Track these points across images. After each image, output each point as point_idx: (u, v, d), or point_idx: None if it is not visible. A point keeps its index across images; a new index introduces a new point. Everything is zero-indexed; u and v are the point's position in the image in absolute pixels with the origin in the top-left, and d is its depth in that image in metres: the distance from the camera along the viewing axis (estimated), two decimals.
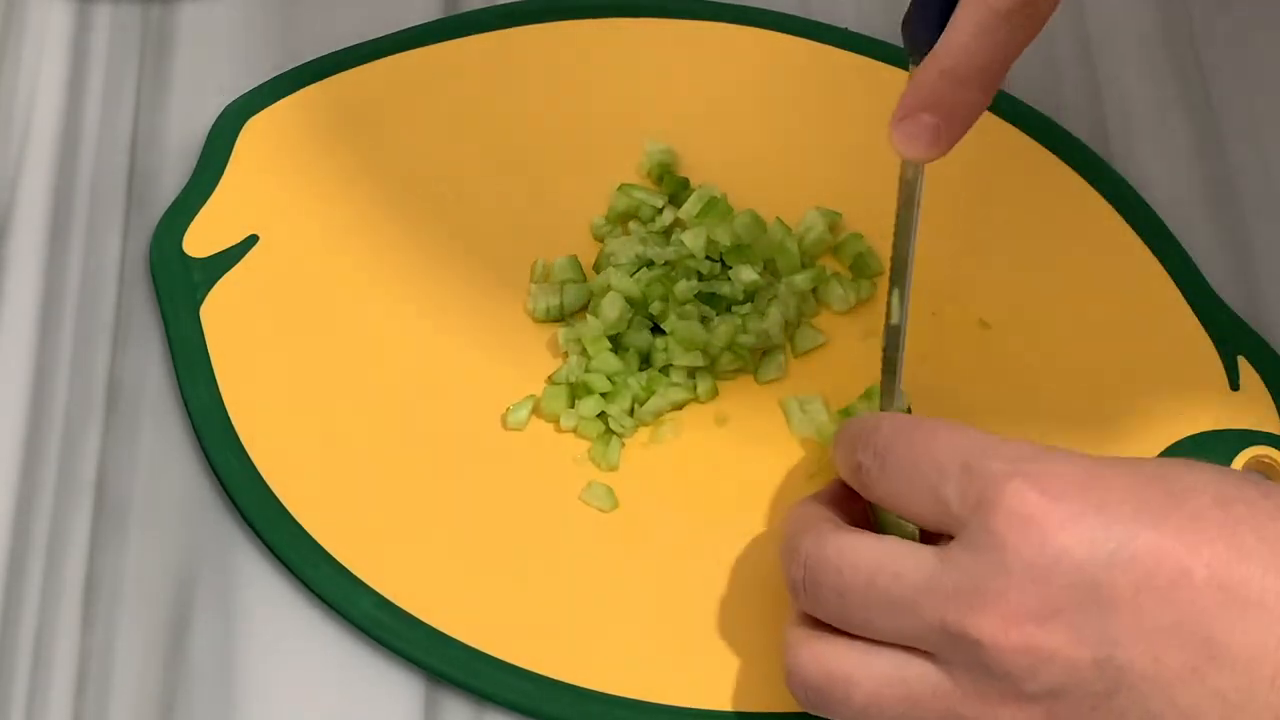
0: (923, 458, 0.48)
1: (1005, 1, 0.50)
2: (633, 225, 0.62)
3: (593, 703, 0.53)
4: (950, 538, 0.47)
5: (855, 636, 0.48)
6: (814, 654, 0.49)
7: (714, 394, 0.59)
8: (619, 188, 0.62)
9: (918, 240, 0.55)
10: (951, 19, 0.51)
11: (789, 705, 0.53)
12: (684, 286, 0.59)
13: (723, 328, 0.59)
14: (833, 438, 0.53)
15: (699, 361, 0.58)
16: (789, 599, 0.51)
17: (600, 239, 0.62)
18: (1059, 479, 0.46)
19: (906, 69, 0.66)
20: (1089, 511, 0.45)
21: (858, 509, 0.52)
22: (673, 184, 0.63)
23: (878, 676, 0.47)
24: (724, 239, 0.60)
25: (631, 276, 0.59)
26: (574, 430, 0.58)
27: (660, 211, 0.62)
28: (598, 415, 0.58)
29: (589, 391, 0.58)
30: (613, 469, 0.57)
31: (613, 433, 0.58)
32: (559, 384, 0.58)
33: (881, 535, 0.49)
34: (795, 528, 0.51)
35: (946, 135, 0.53)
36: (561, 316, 0.60)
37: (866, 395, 0.58)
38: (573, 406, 0.58)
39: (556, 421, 0.58)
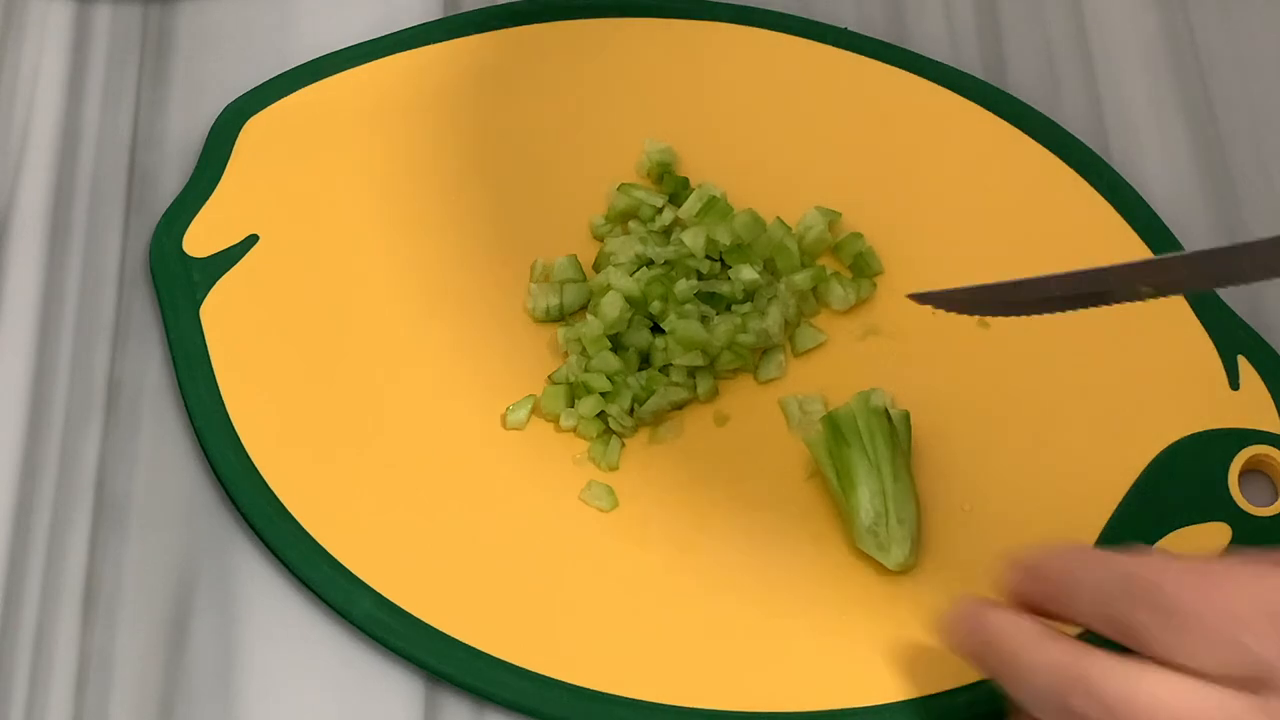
0: (1215, 611, 0.45)
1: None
2: (633, 225, 0.62)
3: (593, 703, 0.53)
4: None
5: None
6: None
7: (714, 394, 0.59)
8: (619, 187, 0.62)
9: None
10: None
11: (789, 705, 0.53)
12: (684, 286, 0.59)
13: (722, 327, 0.59)
14: (1025, 573, 0.50)
15: (699, 361, 0.58)
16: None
17: (600, 239, 0.62)
18: None
19: (906, 68, 0.67)
20: None
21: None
22: (673, 183, 0.63)
23: None
24: (724, 238, 0.60)
25: (631, 276, 0.59)
26: (574, 430, 0.58)
27: (660, 211, 0.62)
28: (597, 415, 0.58)
29: (589, 391, 0.58)
30: (613, 469, 0.57)
31: (613, 432, 0.58)
32: (559, 384, 0.58)
33: (1184, 676, 0.45)
34: (1054, 658, 0.47)
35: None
36: (561, 316, 0.60)
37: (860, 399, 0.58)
38: (572, 406, 0.58)
39: (556, 421, 0.58)
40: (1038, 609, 0.49)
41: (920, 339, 0.60)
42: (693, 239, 0.60)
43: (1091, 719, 0.45)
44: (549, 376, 0.59)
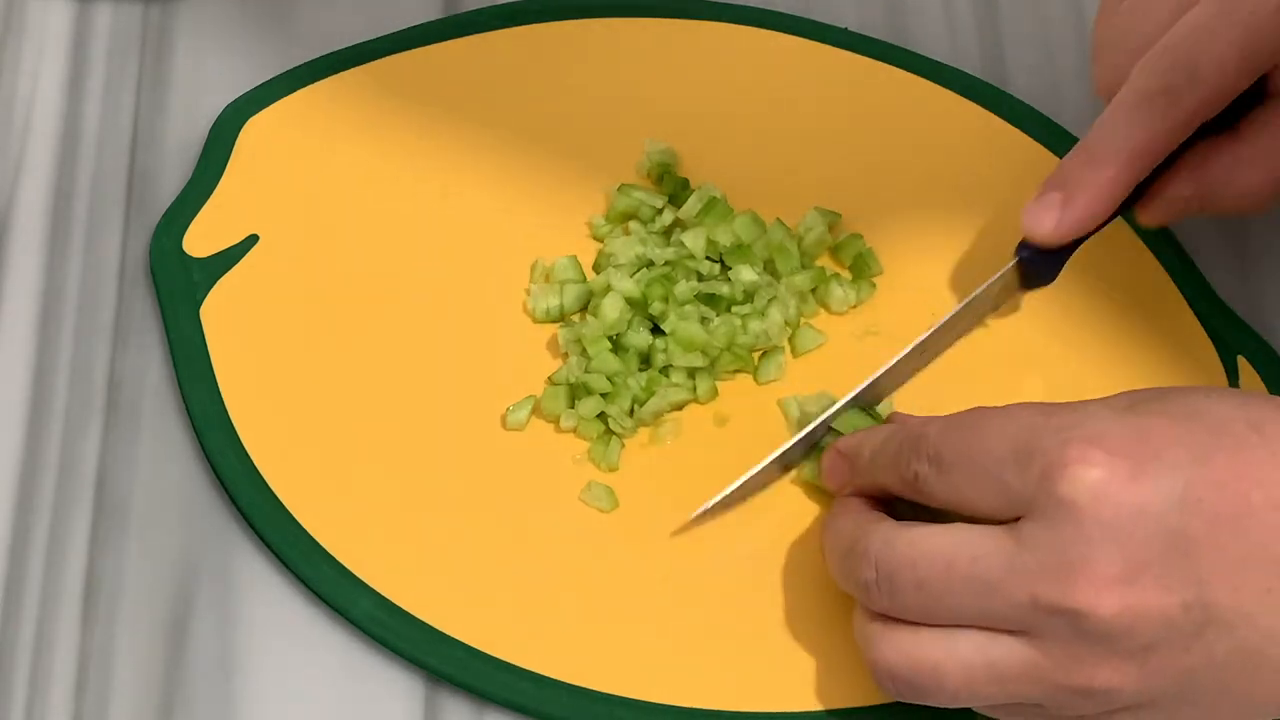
0: (976, 452, 0.49)
1: (1147, 83, 0.54)
2: (633, 225, 0.62)
3: (593, 703, 0.53)
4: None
5: (933, 625, 0.49)
6: (896, 647, 0.49)
7: (714, 394, 0.59)
8: (619, 188, 0.62)
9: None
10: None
11: (788, 705, 0.53)
12: (684, 287, 0.59)
13: (722, 328, 0.59)
14: (834, 459, 0.55)
15: (699, 362, 0.58)
16: (857, 600, 0.51)
17: (600, 239, 0.62)
18: (1110, 440, 0.47)
19: (906, 68, 0.67)
20: (1149, 462, 0.46)
21: (889, 511, 0.53)
22: (673, 184, 0.63)
23: (965, 660, 0.48)
24: (724, 239, 0.60)
25: (631, 277, 0.59)
26: (574, 430, 0.58)
27: (660, 212, 0.62)
28: (597, 415, 0.58)
29: (589, 392, 0.58)
30: (613, 469, 0.57)
31: (612, 433, 0.58)
32: (559, 384, 0.58)
33: (947, 524, 0.49)
34: (849, 531, 0.52)
35: (1069, 217, 0.55)
36: (561, 317, 0.60)
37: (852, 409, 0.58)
38: (572, 407, 0.58)
39: (556, 422, 0.58)
40: (860, 490, 0.54)
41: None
42: (693, 240, 0.60)
43: (867, 579, 0.50)
44: (549, 377, 0.59)
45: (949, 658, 0.48)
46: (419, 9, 0.68)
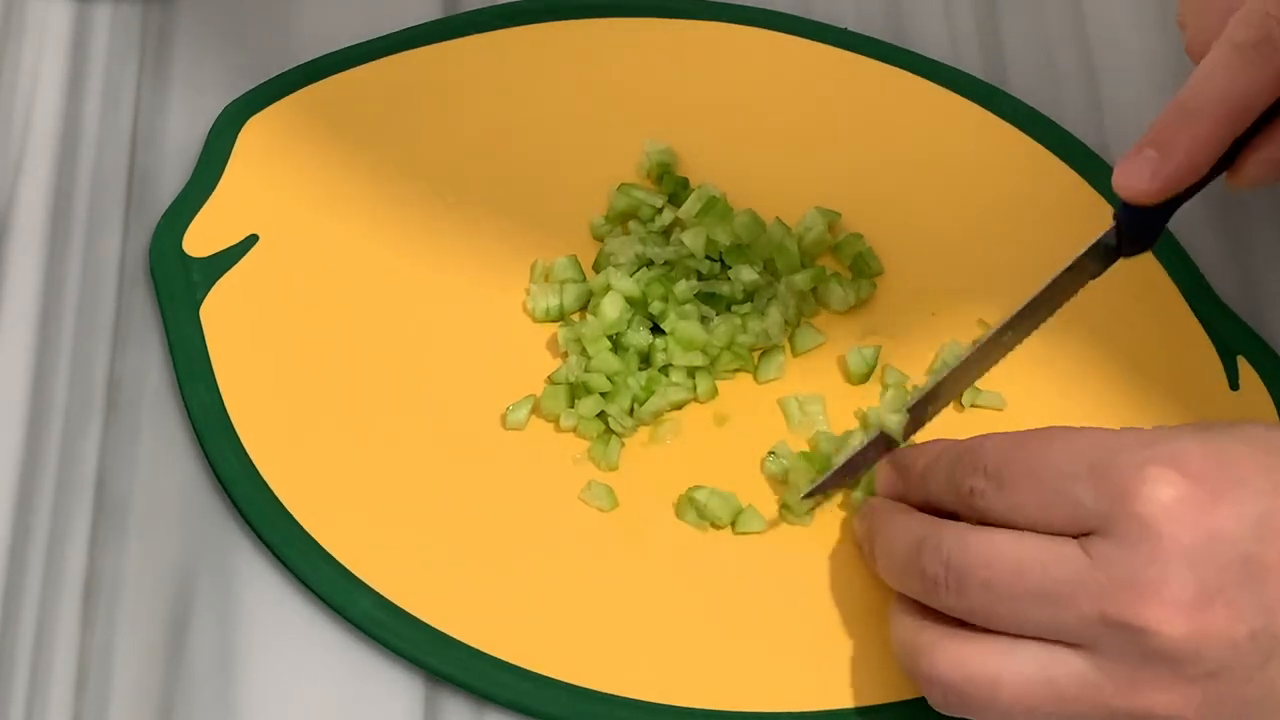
0: (1044, 467, 0.49)
1: (1244, 35, 0.52)
2: (632, 225, 0.62)
3: (593, 703, 0.53)
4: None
5: (991, 633, 0.49)
6: (953, 656, 0.49)
7: (714, 394, 0.59)
8: (618, 187, 0.62)
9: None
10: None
11: (788, 704, 0.53)
12: (684, 286, 0.59)
13: (722, 328, 0.59)
14: (893, 469, 0.54)
15: (699, 361, 0.58)
16: (899, 609, 0.51)
17: (600, 239, 0.62)
18: (1191, 460, 0.47)
19: (906, 68, 0.67)
20: (1228, 488, 0.46)
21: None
22: (672, 183, 0.63)
23: (1024, 674, 0.48)
24: (724, 239, 0.60)
25: (631, 276, 0.59)
26: (574, 430, 0.58)
27: (660, 211, 0.62)
28: (597, 415, 0.58)
29: (589, 391, 0.58)
30: (612, 469, 0.57)
31: (612, 433, 0.58)
32: (559, 384, 0.58)
33: (1019, 531, 0.49)
34: (915, 529, 0.51)
35: (1164, 171, 0.53)
36: (561, 316, 0.60)
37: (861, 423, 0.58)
38: (572, 406, 0.58)
39: (556, 421, 0.58)
40: (910, 502, 0.53)
41: (919, 340, 0.60)
42: (693, 239, 0.60)
43: (935, 575, 0.49)
44: (549, 377, 0.59)
45: (1007, 670, 0.48)
46: (419, 9, 0.68)
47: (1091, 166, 0.64)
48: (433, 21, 0.67)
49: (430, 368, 0.59)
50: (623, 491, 0.57)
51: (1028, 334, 0.56)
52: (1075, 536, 0.48)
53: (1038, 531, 0.49)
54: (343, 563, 0.55)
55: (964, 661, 0.48)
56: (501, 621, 0.54)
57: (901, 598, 0.52)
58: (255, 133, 0.64)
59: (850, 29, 0.68)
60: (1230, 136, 0.54)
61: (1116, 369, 0.60)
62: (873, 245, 0.62)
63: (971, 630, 0.49)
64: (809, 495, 0.56)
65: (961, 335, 0.60)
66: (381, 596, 0.55)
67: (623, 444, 0.58)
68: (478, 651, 0.54)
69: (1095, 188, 0.64)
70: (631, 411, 0.58)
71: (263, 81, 0.65)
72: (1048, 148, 0.65)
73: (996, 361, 0.56)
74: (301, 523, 0.56)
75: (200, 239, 0.61)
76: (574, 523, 0.56)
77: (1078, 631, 0.47)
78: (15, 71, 0.66)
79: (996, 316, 0.61)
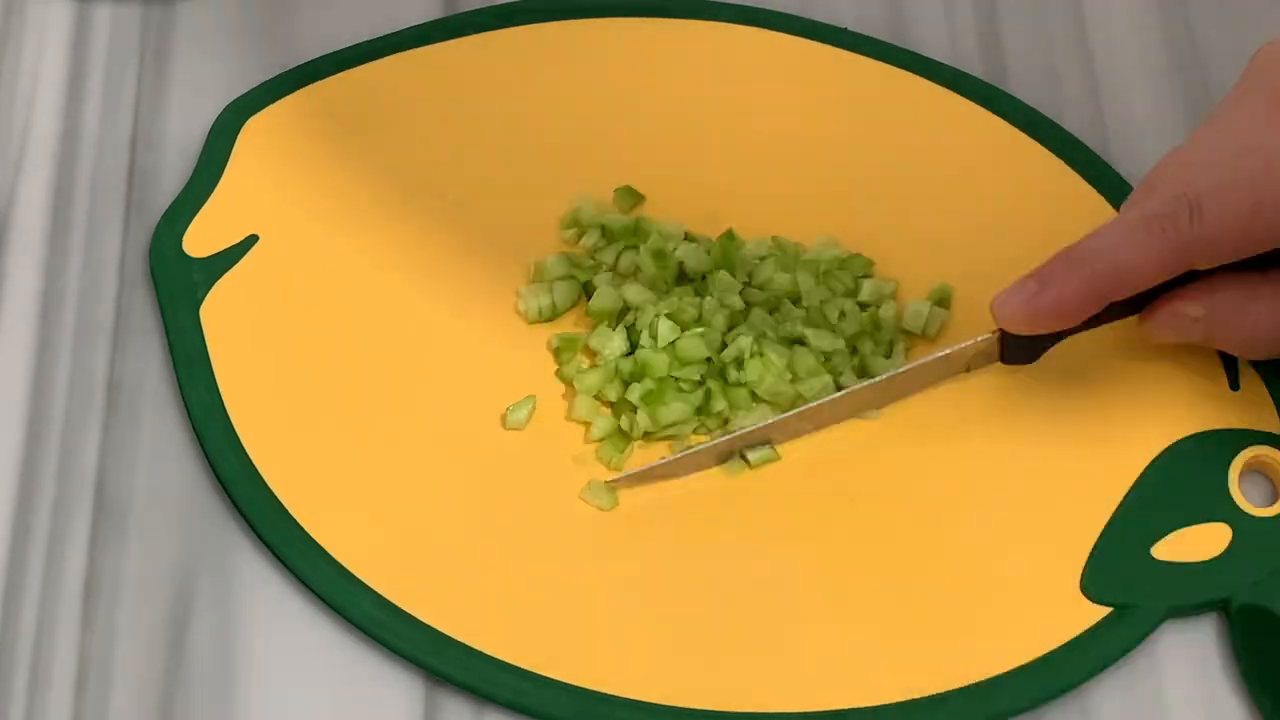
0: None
1: (1153, 208, 0.54)
2: (641, 276, 0.61)
3: (593, 703, 0.53)
4: None
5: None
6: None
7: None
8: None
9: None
10: None
11: (789, 705, 0.53)
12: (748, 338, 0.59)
13: (813, 384, 0.58)
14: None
15: (769, 415, 0.58)
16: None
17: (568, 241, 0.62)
18: None
19: (906, 68, 0.67)
20: None
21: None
22: (628, 200, 0.62)
23: None
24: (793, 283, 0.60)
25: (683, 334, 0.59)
26: (591, 437, 0.58)
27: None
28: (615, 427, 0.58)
29: (644, 430, 0.57)
30: (617, 469, 0.57)
31: (623, 433, 0.58)
32: (594, 396, 0.58)
33: None
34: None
35: (1035, 307, 0.55)
36: (554, 316, 0.60)
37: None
38: (612, 418, 0.58)
39: (586, 428, 0.58)
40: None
41: (920, 340, 0.60)
42: (723, 291, 0.59)
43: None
44: (576, 384, 0.58)
45: None
46: (419, 9, 0.68)
47: (1092, 167, 0.64)
48: (433, 21, 0.67)
49: (430, 367, 0.59)
50: (623, 491, 0.57)
51: (886, 403, 0.58)
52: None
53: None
54: (343, 563, 0.55)
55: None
56: (501, 621, 0.54)
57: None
58: (255, 133, 0.64)
59: (850, 29, 0.68)
60: (1106, 295, 0.55)
61: (1116, 368, 0.60)
62: (871, 244, 0.62)
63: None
64: (615, 481, 0.57)
65: (961, 333, 0.60)
66: (381, 596, 0.55)
67: (633, 447, 0.58)
68: (478, 651, 0.54)
69: (1095, 188, 0.64)
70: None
71: (263, 81, 0.65)
72: (1048, 148, 0.64)
73: (841, 419, 0.58)
74: (301, 523, 0.56)
75: (200, 239, 0.61)
76: (574, 523, 0.56)
77: None
78: (15, 71, 0.66)
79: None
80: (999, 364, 0.58)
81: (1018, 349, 0.58)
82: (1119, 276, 0.54)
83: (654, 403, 0.57)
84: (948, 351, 0.58)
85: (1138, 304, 0.56)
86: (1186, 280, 0.55)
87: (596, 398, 0.58)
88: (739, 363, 0.58)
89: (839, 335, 0.59)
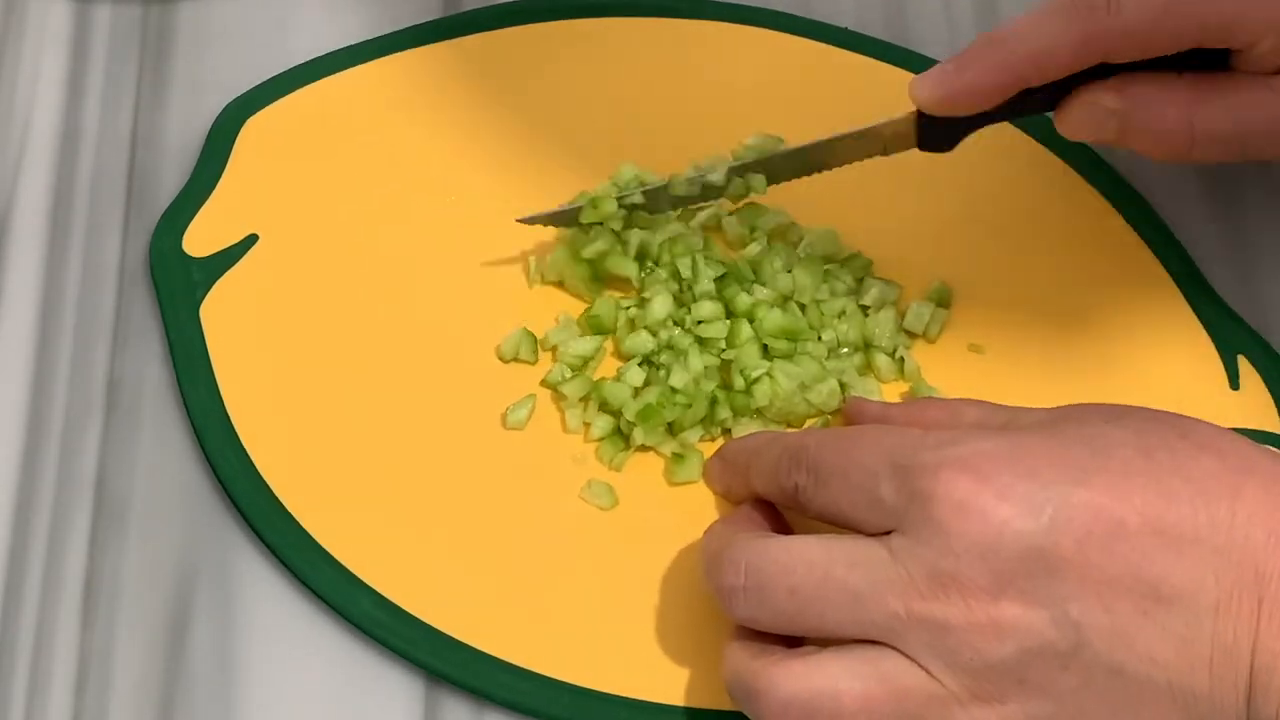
0: (853, 465, 0.49)
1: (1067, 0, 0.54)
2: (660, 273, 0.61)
3: (593, 703, 0.53)
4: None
5: (820, 649, 0.48)
6: (788, 675, 0.48)
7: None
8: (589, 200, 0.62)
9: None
10: None
11: None
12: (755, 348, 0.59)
13: (821, 390, 0.58)
14: (720, 466, 0.55)
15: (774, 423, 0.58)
16: (731, 641, 0.51)
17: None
18: (986, 457, 0.47)
19: (906, 68, 0.67)
20: (1020, 482, 0.47)
21: (774, 528, 0.53)
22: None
23: (861, 677, 0.47)
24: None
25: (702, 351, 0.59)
26: (583, 424, 0.58)
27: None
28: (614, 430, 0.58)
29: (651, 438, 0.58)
30: (618, 470, 0.57)
31: (623, 435, 0.58)
32: (611, 437, 0.58)
33: (819, 535, 0.49)
34: (722, 541, 0.51)
35: (948, 86, 0.56)
36: (560, 280, 0.60)
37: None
38: (624, 450, 0.58)
39: (585, 431, 0.58)
40: (734, 496, 0.55)
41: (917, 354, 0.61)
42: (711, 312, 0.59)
43: (734, 585, 0.49)
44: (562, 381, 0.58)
45: (844, 679, 0.47)
46: (419, 9, 0.68)
47: (1091, 166, 0.64)
48: (433, 21, 0.67)
49: (430, 367, 0.59)
50: (623, 490, 0.57)
51: (807, 173, 0.60)
52: (884, 534, 0.48)
53: (851, 527, 0.49)
54: (343, 563, 0.55)
55: (800, 678, 0.48)
56: (501, 621, 0.54)
57: (733, 634, 0.51)
58: (255, 133, 0.64)
59: (850, 29, 0.68)
60: (1021, 79, 0.56)
61: (1116, 368, 0.60)
62: (871, 244, 0.62)
63: (800, 649, 0.49)
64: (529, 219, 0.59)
65: (957, 356, 0.60)
66: (381, 596, 0.55)
67: (632, 449, 0.58)
68: (478, 651, 0.54)
69: (1093, 185, 0.64)
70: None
71: (263, 81, 0.65)
72: (1048, 147, 0.65)
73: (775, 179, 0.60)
74: (301, 523, 0.56)
75: (200, 239, 0.61)
76: (574, 522, 0.56)
77: (886, 630, 0.47)
78: (15, 71, 0.66)
79: (996, 314, 0.61)
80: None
81: (935, 135, 0.58)
82: (1035, 61, 0.55)
83: (653, 418, 0.57)
84: (863, 128, 0.58)
85: (1055, 99, 0.57)
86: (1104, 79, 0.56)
87: (603, 407, 0.58)
88: (746, 381, 0.58)
89: (840, 336, 0.59)
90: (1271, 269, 0.63)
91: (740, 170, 0.60)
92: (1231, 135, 0.57)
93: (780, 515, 0.54)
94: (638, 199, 0.60)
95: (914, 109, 0.58)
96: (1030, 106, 0.57)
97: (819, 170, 0.60)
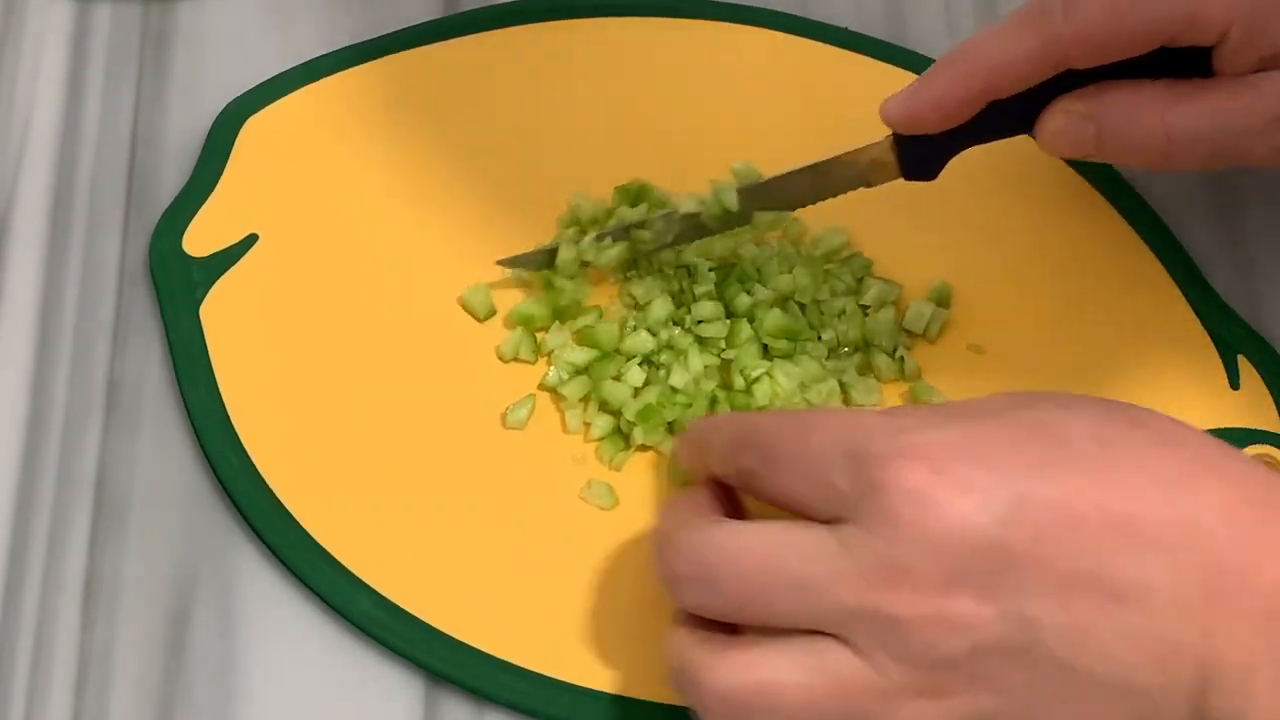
0: (806, 452, 0.48)
1: (1029, 5, 0.54)
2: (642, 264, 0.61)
3: (593, 703, 0.53)
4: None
5: (763, 639, 0.48)
6: (730, 666, 0.47)
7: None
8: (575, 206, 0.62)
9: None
10: None
11: None
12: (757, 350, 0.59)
13: (820, 390, 0.58)
14: (683, 444, 0.54)
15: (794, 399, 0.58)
16: (674, 628, 0.50)
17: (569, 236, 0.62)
18: (941, 447, 0.46)
19: (906, 68, 0.67)
20: (977, 474, 0.46)
21: (729, 512, 0.52)
22: (633, 196, 0.62)
23: (803, 670, 0.47)
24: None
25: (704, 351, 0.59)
26: (583, 424, 0.58)
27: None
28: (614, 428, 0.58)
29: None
30: (617, 469, 0.57)
31: (623, 435, 0.58)
32: (612, 436, 0.58)
33: (770, 521, 0.48)
34: (671, 524, 0.50)
35: (914, 104, 0.56)
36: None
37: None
38: (624, 449, 0.58)
39: (585, 431, 0.58)
40: (702, 475, 0.53)
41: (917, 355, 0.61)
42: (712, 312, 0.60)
43: (682, 572, 0.49)
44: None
45: (786, 671, 0.47)
46: (419, 9, 0.68)
47: (1092, 167, 0.64)
48: (433, 21, 0.67)
49: (430, 367, 0.59)
50: (623, 490, 0.57)
51: (789, 208, 0.60)
52: (832, 521, 0.47)
53: (803, 514, 0.48)
54: (343, 563, 0.55)
55: (741, 670, 0.47)
56: (501, 621, 0.54)
57: (675, 618, 0.51)
58: (255, 133, 0.64)
59: (850, 29, 0.68)
60: (984, 91, 0.55)
61: (1116, 368, 0.60)
62: (871, 244, 0.62)
63: (744, 638, 0.48)
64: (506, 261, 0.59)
65: (958, 357, 0.60)
66: (381, 596, 0.55)
67: (632, 449, 0.58)
68: (478, 651, 0.54)
69: (1094, 185, 0.64)
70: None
71: (263, 81, 0.65)
72: None
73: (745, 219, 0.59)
74: (301, 523, 0.56)
75: (200, 239, 0.61)
76: (574, 522, 0.56)
77: (833, 621, 0.46)
78: (15, 71, 0.66)
79: (996, 315, 0.61)
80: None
81: (915, 160, 0.58)
82: (996, 71, 0.55)
83: (653, 418, 0.57)
84: (839, 155, 0.58)
85: (1032, 117, 0.56)
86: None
87: (603, 407, 0.58)
88: (746, 381, 0.58)
89: (840, 336, 0.59)
90: (1271, 269, 0.63)
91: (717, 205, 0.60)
92: (1209, 137, 0.56)
93: (736, 497, 0.53)
94: (607, 245, 0.60)
95: (890, 133, 0.57)
96: (1007, 126, 0.57)
97: (802, 206, 0.60)
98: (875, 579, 0.46)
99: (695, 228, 0.60)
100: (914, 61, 0.66)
